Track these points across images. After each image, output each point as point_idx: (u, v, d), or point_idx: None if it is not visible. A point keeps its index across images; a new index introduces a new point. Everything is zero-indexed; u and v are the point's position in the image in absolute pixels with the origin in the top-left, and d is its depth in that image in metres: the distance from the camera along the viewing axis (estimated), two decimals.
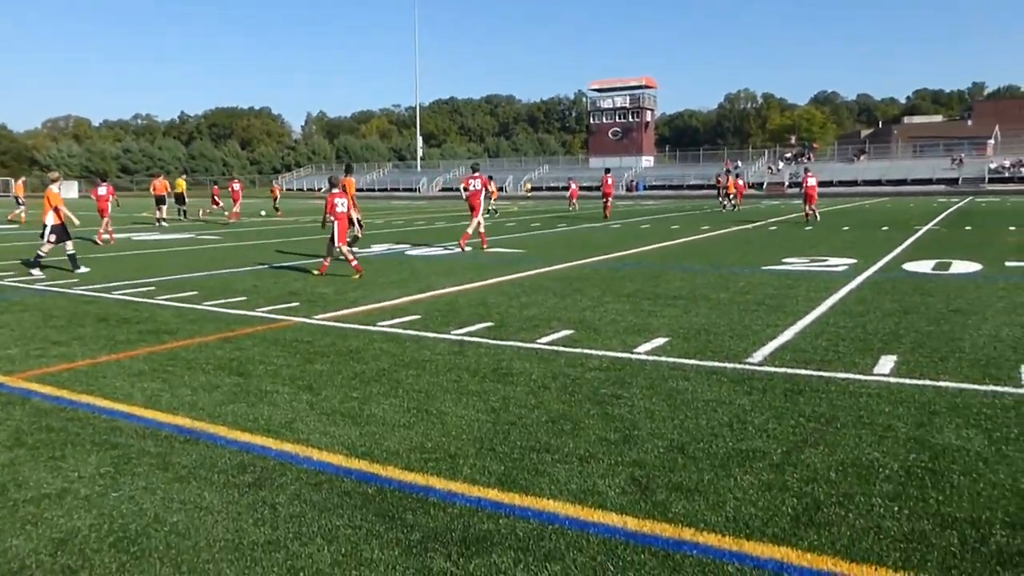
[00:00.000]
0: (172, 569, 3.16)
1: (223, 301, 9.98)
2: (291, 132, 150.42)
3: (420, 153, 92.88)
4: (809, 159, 73.35)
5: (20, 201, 35.39)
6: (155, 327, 8.28)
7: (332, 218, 12.75)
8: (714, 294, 10.14)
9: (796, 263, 13.62)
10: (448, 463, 4.26)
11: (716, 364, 6.35)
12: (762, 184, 68.03)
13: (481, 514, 3.63)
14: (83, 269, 13.72)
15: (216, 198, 36.94)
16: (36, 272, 13.47)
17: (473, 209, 17.44)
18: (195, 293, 10.72)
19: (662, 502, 3.71)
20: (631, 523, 3.50)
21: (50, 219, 13.95)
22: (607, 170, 35.84)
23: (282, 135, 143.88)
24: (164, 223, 28.44)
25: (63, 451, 4.53)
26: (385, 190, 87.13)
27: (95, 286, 11.64)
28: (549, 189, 75.91)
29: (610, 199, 32.99)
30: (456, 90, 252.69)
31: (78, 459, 4.40)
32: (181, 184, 34.34)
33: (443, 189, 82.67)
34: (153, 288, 11.30)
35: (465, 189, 17.63)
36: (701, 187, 49.16)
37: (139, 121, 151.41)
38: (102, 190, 22.20)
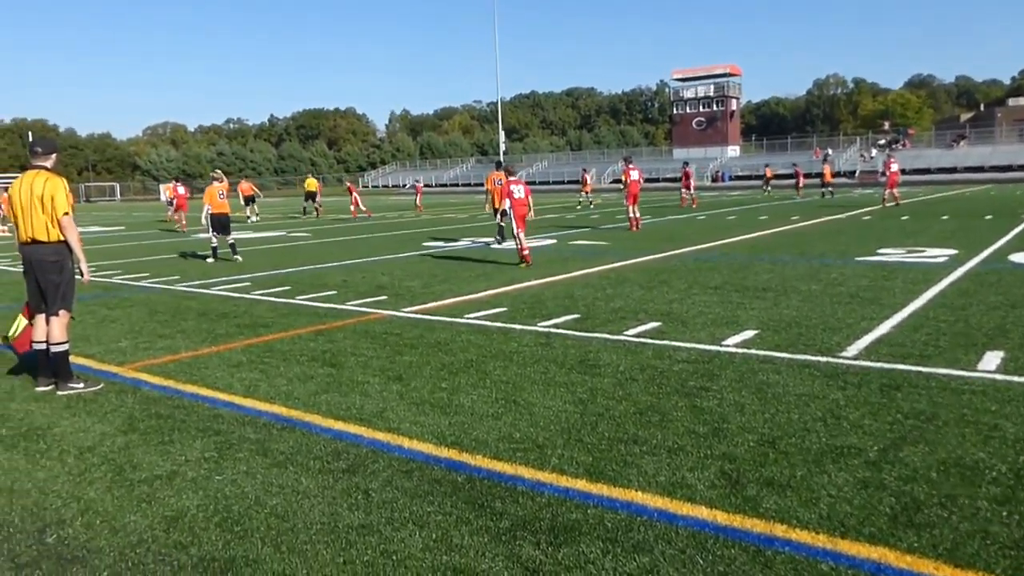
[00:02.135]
0: (273, 549, 3.30)
1: (315, 295, 10.30)
2: (375, 130, 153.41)
3: (503, 148, 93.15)
4: (904, 146, 70.27)
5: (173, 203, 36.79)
6: (252, 321, 8.61)
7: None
8: (805, 286, 9.86)
9: (892, 254, 13.10)
10: (536, 453, 4.30)
11: (808, 357, 6.19)
12: (854, 172, 65.57)
13: (569, 504, 3.65)
14: (238, 258, 15.55)
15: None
16: (210, 261, 15.32)
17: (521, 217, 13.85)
18: (288, 288, 11.09)
19: (753, 497, 3.65)
20: (721, 517, 3.46)
21: (206, 212, 15.80)
22: (686, 163, 35.27)
23: (367, 134, 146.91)
24: (254, 218, 30.61)
25: (171, 436, 4.78)
26: (468, 185, 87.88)
27: (195, 283, 12.18)
28: (648, 180, 75.02)
29: (689, 192, 32.46)
30: (537, 84, 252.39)
31: (185, 444, 4.64)
32: (312, 184, 35.90)
33: (528, 182, 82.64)
34: (249, 284, 11.75)
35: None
36: (788, 176, 47.73)
37: (231, 125, 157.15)
38: (181, 189, 28.36)
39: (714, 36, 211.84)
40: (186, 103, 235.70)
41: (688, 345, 6.74)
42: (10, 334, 6.27)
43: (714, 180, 71.84)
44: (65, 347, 6.00)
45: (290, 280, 12.01)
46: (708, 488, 3.77)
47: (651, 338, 7.06)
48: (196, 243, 20.42)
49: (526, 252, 13.11)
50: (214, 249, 15.72)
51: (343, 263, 14.52)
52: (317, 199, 35.48)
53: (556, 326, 7.72)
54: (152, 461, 4.37)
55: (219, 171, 17.47)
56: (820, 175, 38.49)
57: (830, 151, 71.75)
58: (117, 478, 4.15)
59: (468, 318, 8.32)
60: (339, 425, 4.88)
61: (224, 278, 12.49)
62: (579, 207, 34.57)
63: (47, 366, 6.03)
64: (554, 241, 17.97)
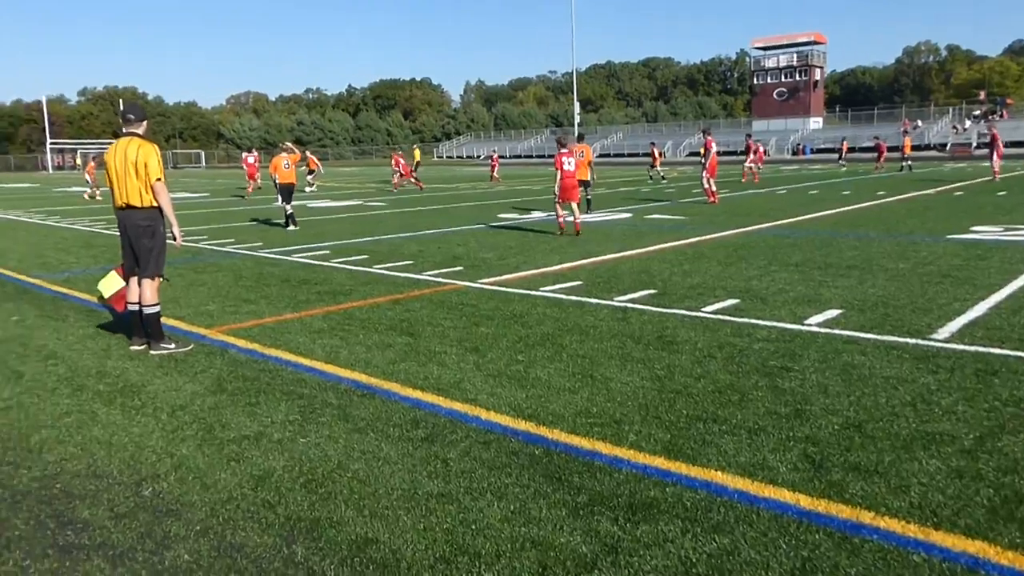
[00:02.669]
0: (355, 512, 3.38)
1: (391, 265, 10.44)
2: (451, 101, 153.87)
3: (577, 119, 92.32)
4: (1001, 116, 66.63)
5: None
6: (331, 288, 8.79)
7: (559, 175, 13.50)
8: (892, 264, 9.50)
9: (987, 232, 12.49)
10: (613, 429, 4.27)
11: (896, 339, 5.97)
12: (945, 145, 62.63)
13: (647, 481, 3.62)
14: (293, 228, 15.83)
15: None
16: (290, 228, 15.72)
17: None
18: (365, 257, 11.28)
19: (838, 482, 3.56)
20: (804, 501, 3.38)
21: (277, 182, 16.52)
22: (748, 135, 33.89)
23: (442, 104, 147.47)
24: (311, 188, 31.10)
25: (257, 398, 4.94)
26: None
27: (277, 249, 12.49)
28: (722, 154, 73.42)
29: (751, 166, 31.27)
30: (613, 54, 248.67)
31: (270, 406, 4.78)
32: (417, 153, 37.16)
33: (602, 155, 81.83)
34: (328, 252, 11.99)
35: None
36: (871, 149, 45.84)
37: (310, 95, 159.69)
38: (251, 159, 29.90)
39: (797, 3, 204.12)
40: (267, 73, 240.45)
41: (768, 323, 6.59)
42: (103, 292, 6.54)
43: (795, 153, 69.74)
44: (157, 309, 6.24)
45: (367, 249, 12.20)
46: (790, 471, 3.69)
47: (730, 315, 6.93)
48: (269, 211, 20.94)
49: (577, 221, 13.58)
50: (289, 216, 16.09)
51: (419, 233, 14.67)
52: (415, 170, 36.11)
53: (632, 301, 7.65)
54: (240, 421, 4.53)
55: (288, 143, 17.95)
56: (900, 148, 37.15)
57: (919, 123, 68.69)
58: (207, 436, 4.31)
59: (543, 291, 8.31)
60: (417, 394, 4.95)
61: (304, 246, 12.77)
62: (650, 180, 33.95)
63: (140, 326, 6.29)
64: (629, 215, 17.75)
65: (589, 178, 17.60)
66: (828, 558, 2.93)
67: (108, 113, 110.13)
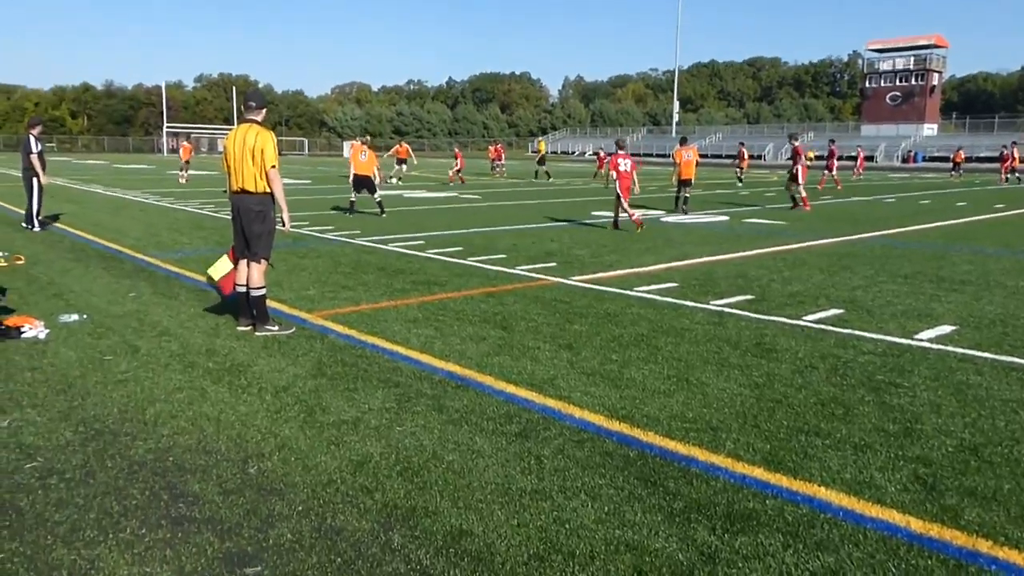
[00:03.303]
0: (450, 503, 3.41)
1: (485, 257, 10.52)
2: (548, 96, 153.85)
3: (676, 118, 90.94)
4: None
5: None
6: (426, 278, 8.93)
7: (615, 176, 14.06)
8: (1011, 281, 8.98)
9: None
10: (710, 435, 4.18)
11: (1016, 360, 5.64)
12: None
13: (746, 491, 3.53)
14: (383, 215, 16.50)
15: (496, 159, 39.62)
16: (348, 215, 16.43)
17: (630, 188, 14.38)
18: (460, 249, 11.40)
19: (952, 507, 3.38)
20: (915, 524, 3.23)
21: (351, 172, 17.03)
22: (832, 140, 32.16)
23: (539, 99, 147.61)
24: (394, 180, 30.33)
25: (355, 384, 5.05)
26: (638, 155, 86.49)
27: (374, 238, 12.77)
28: (819, 158, 71.19)
29: (832, 173, 29.70)
30: (717, 53, 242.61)
31: (367, 392, 4.88)
32: (542, 146, 38.24)
33: (701, 155, 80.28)
34: (423, 242, 12.17)
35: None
36: (993, 160, 43.28)
37: (411, 86, 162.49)
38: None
39: (917, 3, 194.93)
40: (372, 64, 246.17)
41: (875, 336, 6.32)
42: (213, 275, 6.81)
43: (905, 161, 66.74)
44: (263, 291, 6.46)
45: (462, 241, 12.33)
46: (900, 491, 3.53)
47: (833, 325, 6.68)
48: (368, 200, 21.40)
49: (636, 217, 14.07)
50: (351, 204, 17.11)
51: (512, 227, 14.73)
52: (545, 162, 36.50)
53: (729, 305, 7.47)
54: (339, 406, 4.64)
55: (367, 136, 18.50)
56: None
57: None
58: (308, 419, 4.43)
59: (638, 291, 8.21)
60: (511, 388, 4.96)
61: (400, 235, 13.01)
62: (739, 184, 32.95)
63: (247, 308, 6.53)
64: (726, 217, 17.36)
65: (691, 178, 18.43)
66: None
67: (221, 99, 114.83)
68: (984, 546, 3.05)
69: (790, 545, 3.06)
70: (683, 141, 20.00)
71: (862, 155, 39.86)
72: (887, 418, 4.46)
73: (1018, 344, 6.09)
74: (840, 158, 32.37)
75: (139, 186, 27.13)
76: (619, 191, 14.09)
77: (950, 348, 5.97)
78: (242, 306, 6.59)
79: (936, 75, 78.80)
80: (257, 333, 6.35)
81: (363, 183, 16.81)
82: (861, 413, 4.54)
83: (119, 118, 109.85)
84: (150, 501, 3.45)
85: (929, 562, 2.95)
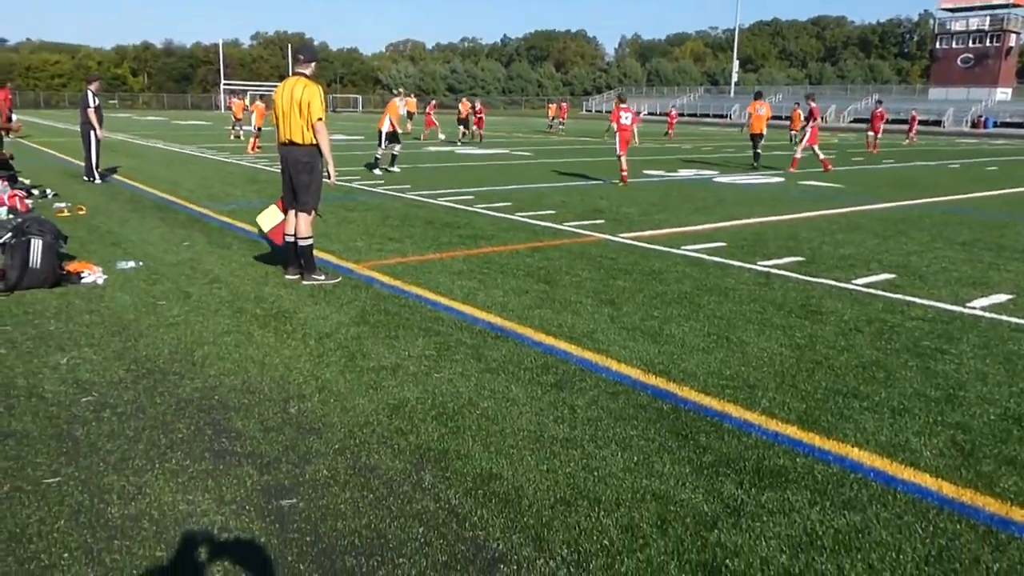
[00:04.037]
0: (482, 448, 3.48)
1: (533, 213, 10.51)
2: (604, 54, 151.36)
3: (735, 78, 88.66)
4: None
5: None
6: (473, 232, 8.97)
7: (615, 129, 14.71)
8: None
9: None
10: (746, 393, 4.17)
11: None
12: None
13: (777, 448, 3.53)
14: (395, 170, 16.17)
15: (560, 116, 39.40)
16: (377, 172, 15.70)
17: (629, 141, 15.05)
18: (508, 204, 11.40)
19: (988, 474, 3.33)
20: (947, 488, 3.19)
21: (385, 127, 16.36)
22: (879, 101, 30.49)
23: (595, 57, 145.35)
24: (441, 136, 30.02)
25: (396, 332, 5.15)
26: (695, 115, 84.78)
27: (424, 192, 12.84)
28: (894, 122, 68.87)
29: (875, 136, 27.84)
30: (780, 11, 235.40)
31: (408, 340, 4.98)
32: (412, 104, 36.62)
33: (773, 117, 78.43)
34: (472, 197, 12.20)
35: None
36: None
37: (466, 44, 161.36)
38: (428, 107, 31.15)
39: None
40: (426, 21, 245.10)
41: (925, 302, 6.18)
42: (263, 225, 6.96)
43: (974, 126, 64.13)
44: (311, 242, 6.58)
45: (511, 197, 12.32)
46: (935, 456, 3.48)
47: (883, 290, 6.54)
48: (418, 155, 21.44)
49: (624, 173, 14.82)
50: (391, 157, 16.60)
51: (562, 184, 14.65)
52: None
53: (777, 267, 7.36)
54: (379, 352, 4.74)
55: (401, 88, 18.29)
56: None
57: None
58: (349, 364, 4.54)
59: (684, 249, 8.14)
60: (550, 340, 5.00)
61: (450, 190, 13.05)
62: (792, 143, 31.83)
63: (295, 257, 6.66)
64: (782, 179, 16.99)
65: (762, 132, 19.33)
66: (968, 550, 2.76)
67: (276, 57, 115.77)
68: (1019, 515, 3.00)
69: (817, 502, 3.06)
70: (757, 96, 20.42)
71: (915, 119, 37.99)
72: (929, 384, 4.39)
73: None
74: (888, 122, 30.90)
75: (195, 141, 27.66)
76: (618, 143, 14.72)
77: (1004, 317, 5.81)
78: (290, 256, 6.72)
79: (1013, 36, 75.18)
80: (304, 282, 6.49)
81: (394, 136, 16.56)
82: (903, 378, 4.47)
83: (178, 76, 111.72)
84: (195, 435, 3.60)
85: (958, 526, 2.92)
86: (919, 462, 3.42)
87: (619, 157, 14.91)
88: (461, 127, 30.09)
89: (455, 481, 3.19)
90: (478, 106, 30.25)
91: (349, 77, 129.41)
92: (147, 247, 7.91)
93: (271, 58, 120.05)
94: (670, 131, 37.97)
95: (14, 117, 17.51)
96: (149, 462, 3.33)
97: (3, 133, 13.58)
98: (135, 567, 2.61)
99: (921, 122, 40.88)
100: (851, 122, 70.52)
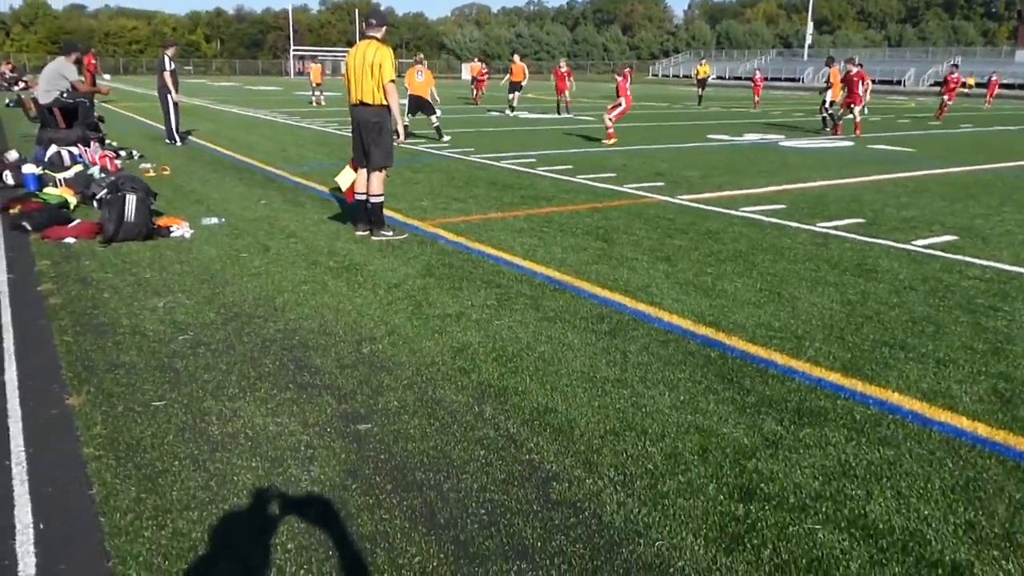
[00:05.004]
0: (538, 385, 3.77)
1: (595, 176, 10.68)
2: (672, 17, 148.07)
3: (809, 40, 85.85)
4: None
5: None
6: (535, 193, 9.21)
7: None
8: None
9: None
10: (793, 343, 4.35)
11: None
12: None
13: (819, 392, 3.72)
14: (446, 138, 15.78)
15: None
16: (446, 139, 15.73)
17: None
18: (570, 167, 11.58)
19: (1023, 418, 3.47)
20: (982, 429, 3.35)
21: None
22: (955, 65, 27.62)
23: (663, 20, 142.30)
24: (509, 112, 24.66)
25: (460, 284, 5.46)
26: (766, 79, 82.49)
27: (488, 155, 13.10)
28: (978, 85, 65.86)
29: (949, 101, 25.69)
30: None
31: (471, 291, 5.28)
32: (704, 70, 32.88)
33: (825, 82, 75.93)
34: (534, 160, 12.41)
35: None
36: None
37: (532, 7, 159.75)
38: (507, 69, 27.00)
39: None
40: None
41: (984, 263, 6.19)
42: (340, 184, 7.33)
43: None
44: (381, 199, 6.92)
45: (573, 160, 12.48)
46: (974, 402, 3.63)
47: (942, 251, 6.57)
48: (485, 120, 21.65)
49: (611, 131, 15.57)
50: (436, 129, 15.85)
51: (625, 148, 14.72)
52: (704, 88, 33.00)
53: (836, 228, 7.42)
54: (444, 302, 5.06)
55: (420, 56, 17.32)
56: None
57: None
58: (416, 311, 4.87)
59: (743, 211, 8.23)
60: (605, 293, 5.25)
61: (512, 153, 13.28)
62: (865, 112, 30.46)
63: (364, 215, 7.02)
64: (851, 143, 16.69)
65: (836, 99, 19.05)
66: (994, 481, 2.94)
67: (344, 23, 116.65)
68: None
69: (853, 439, 3.26)
70: (829, 62, 20.35)
71: (995, 83, 35.49)
72: (978, 338, 4.49)
73: None
74: (963, 85, 28.98)
75: (268, 105, 28.39)
76: (618, 111, 15.41)
77: None
78: (360, 213, 7.08)
79: None
80: (374, 238, 6.84)
81: (419, 105, 15.87)
82: (952, 332, 4.58)
83: (249, 42, 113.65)
84: (279, 370, 3.98)
85: (988, 461, 3.09)
86: (957, 406, 3.58)
87: (610, 118, 15.56)
88: (514, 92, 24.98)
89: (513, 413, 3.49)
90: (485, 69, 29.00)
91: (414, 42, 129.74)
92: (228, 204, 8.39)
93: (339, 23, 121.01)
94: (756, 98, 32.08)
95: (101, 80, 18.28)
96: (241, 391, 3.72)
97: (92, 96, 14.27)
98: (235, 474, 2.99)
99: (1006, 86, 38.96)
100: (931, 85, 67.71)
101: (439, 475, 2.99)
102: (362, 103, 6.75)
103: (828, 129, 18.98)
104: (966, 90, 30.34)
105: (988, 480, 2.95)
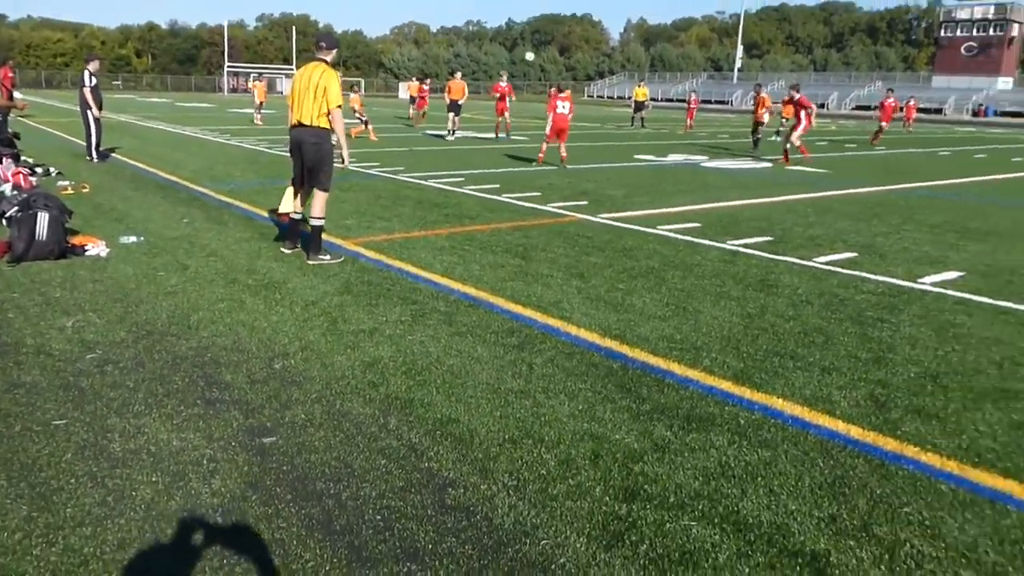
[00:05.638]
0: (444, 397, 3.90)
1: (520, 195, 10.89)
2: (609, 39, 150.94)
3: (738, 64, 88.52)
4: None
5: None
6: (459, 212, 9.36)
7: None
8: None
9: None
10: (691, 354, 4.57)
11: (1011, 305, 5.85)
12: None
13: (709, 400, 3.93)
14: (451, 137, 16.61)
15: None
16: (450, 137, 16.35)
17: (562, 132, 15.37)
18: (497, 186, 11.77)
19: (894, 420, 3.74)
20: (855, 432, 3.60)
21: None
22: (890, 89, 28.96)
23: (599, 42, 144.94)
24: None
25: (377, 301, 5.55)
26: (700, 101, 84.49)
27: (416, 174, 13.21)
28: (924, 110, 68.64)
29: (885, 125, 26.10)
30: None
31: (387, 308, 5.38)
32: (642, 93, 32.05)
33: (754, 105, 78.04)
34: (463, 180, 12.57)
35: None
36: None
37: (470, 27, 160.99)
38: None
39: None
40: (432, 4, 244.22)
41: (879, 278, 6.57)
42: (282, 208, 7.35)
43: (975, 114, 64.17)
44: (322, 222, 6.83)
45: (501, 179, 12.69)
46: (852, 407, 3.89)
47: (842, 267, 6.94)
48: (414, 140, 21.76)
49: (542, 156, 15.80)
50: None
51: (552, 168, 15.00)
52: (645, 107, 32.31)
53: (745, 245, 7.75)
54: (359, 318, 5.15)
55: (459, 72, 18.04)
56: None
57: None
58: (331, 327, 4.95)
59: (660, 229, 8.52)
60: (518, 308, 5.41)
61: (442, 173, 13.42)
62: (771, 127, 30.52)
63: (294, 233, 7.03)
64: (770, 164, 17.33)
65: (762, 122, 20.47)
66: (859, 478, 3.17)
67: (281, 39, 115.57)
68: (910, 451, 3.41)
69: (735, 442, 3.47)
70: (757, 88, 22.03)
71: (912, 107, 36.68)
72: (863, 347, 4.79)
73: (1019, 291, 6.28)
74: (900, 109, 30.52)
75: (199, 123, 27.98)
76: (548, 129, 15.32)
77: (949, 292, 6.20)
78: (290, 231, 7.09)
79: (1016, 26, 74.99)
80: (310, 261, 6.74)
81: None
82: (840, 342, 4.87)
83: (182, 57, 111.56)
84: (188, 386, 4.01)
85: (857, 461, 3.33)
86: (835, 411, 3.83)
87: (545, 141, 15.70)
88: (451, 113, 22.80)
89: (417, 424, 3.60)
90: (427, 86, 28.67)
91: (353, 60, 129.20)
92: (148, 223, 8.31)
93: (276, 40, 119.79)
94: (689, 120, 31.65)
95: (16, 95, 17.77)
96: (147, 408, 3.75)
97: (7, 112, 13.90)
98: (134, 489, 3.02)
99: (923, 110, 40.84)
100: (853, 109, 70.55)
101: (339, 484, 3.08)
102: (300, 123, 6.72)
103: (758, 151, 19.51)
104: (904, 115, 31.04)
105: (854, 477, 3.18)
